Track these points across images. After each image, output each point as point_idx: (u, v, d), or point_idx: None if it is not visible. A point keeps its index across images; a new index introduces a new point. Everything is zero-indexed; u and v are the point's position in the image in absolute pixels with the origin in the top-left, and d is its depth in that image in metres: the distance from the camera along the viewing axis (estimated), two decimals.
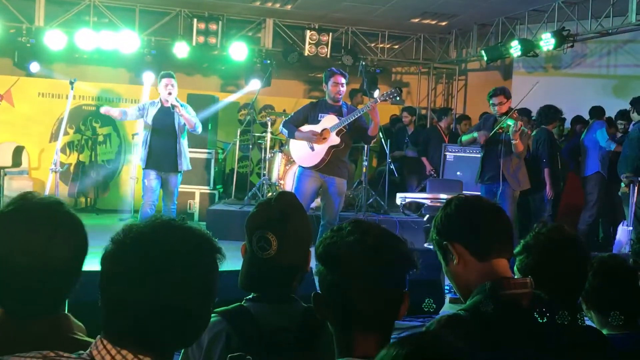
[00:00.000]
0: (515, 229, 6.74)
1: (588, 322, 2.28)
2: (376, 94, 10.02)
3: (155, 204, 6.81)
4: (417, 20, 11.13)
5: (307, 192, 6.12)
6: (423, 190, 9.09)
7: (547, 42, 9.18)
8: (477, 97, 11.37)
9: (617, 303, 2.26)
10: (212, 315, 1.44)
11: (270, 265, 1.98)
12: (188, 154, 6.98)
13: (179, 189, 9.19)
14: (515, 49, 9.70)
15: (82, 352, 1.30)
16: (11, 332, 1.50)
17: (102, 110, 6.81)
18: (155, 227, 1.31)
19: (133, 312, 1.26)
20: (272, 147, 9.30)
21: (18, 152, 9.61)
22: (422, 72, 13.04)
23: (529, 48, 9.63)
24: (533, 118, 8.78)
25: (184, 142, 6.88)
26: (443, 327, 1.68)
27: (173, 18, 10.88)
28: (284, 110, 10.62)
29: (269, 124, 9.24)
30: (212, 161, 9.69)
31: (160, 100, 6.79)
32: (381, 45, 12.13)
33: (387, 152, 9.39)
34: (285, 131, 6.32)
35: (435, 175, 9.63)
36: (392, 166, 9.43)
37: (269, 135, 9.16)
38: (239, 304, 2.00)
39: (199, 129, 6.92)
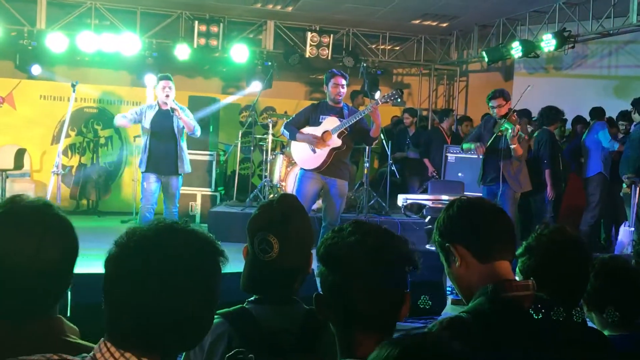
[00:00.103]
0: (516, 231, 6.73)
1: (589, 323, 2.28)
2: (377, 95, 10.01)
3: (154, 207, 6.77)
4: (418, 21, 11.14)
5: (308, 194, 6.13)
6: (425, 191, 9.09)
7: (548, 43, 9.18)
8: (478, 98, 11.36)
9: (618, 304, 2.26)
10: (214, 317, 1.45)
11: (271, 267, 1.98)
12: (188, 156, 6.95)
13: (181, 191, 9.28)
14: (516, 50, 9.70)
15: (85, 354, 1.31)
16: (4, 336, 1.50)
17: (117, 123, 6.93)
18: (159, 230, 1.32)
19: (136, 315, 1.26)
20: (273, 149, 9.30)
21: (20, 154, 9.62)
22: (423, 74, 13.05)
23: (530, 49, 9.63)
24: (534, 119, 8.79)
25: (183, 144, 6.84)
26: (445, 329, 1.68)
27: (174, 20, 10.89)
28: (285, 112, 10.64)
29: (271, 125, 9.25)
30: (214, 163, 9.70)
31: (158, 103, 6.75)
32: (382, 47, 12.13)
33: (389, 153, 9.39)
34: (286, 133, 6.33)
35: (437, 176, 9.63)
36: (393, 167, 9.43)
37: (270, 137, 9.16)
38: (240, 305, 2.00)
39: (198, 132, 6.89)
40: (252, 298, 2.03)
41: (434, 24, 11.34)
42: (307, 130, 6.21)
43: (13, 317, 1.52)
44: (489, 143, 6.65)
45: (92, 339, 1.52)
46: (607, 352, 1.92)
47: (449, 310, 4.92)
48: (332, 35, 11.17)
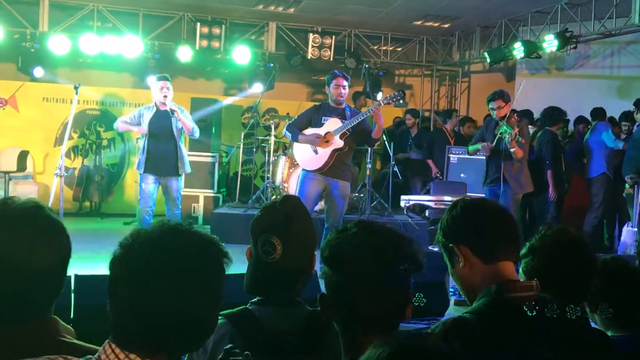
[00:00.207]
0: (519, 232, 6.72)
1: (592, 324, 2.28)
2: (379, 96, 10.02)
3: (153, 209, 6.70)
4: (420, 22, 11.14)
5: (311, 195, 6.13)
6: (428, 192, 9.09)
7: (550, 43, 9.17)
8: (481, 98, 11.34)
9: (621, 304, 2.26)
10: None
11: (275, 269, 1.99)
12: (187, 156, 6.88)
13: (183, 193, 9.29)
14: (518, 50, 9.69)
15: (90, 356, 1.31)
16: (0, 338, 1.50)
17: (120, 129, 6.99)
18: (163, 231, 1.33)
19: (141, 316, 1.27)
20: (275, 151, 9.31)
21: (23, 156, 9.63)
22: (425, 75, 13.05)
23: (532, 50, 9.62)
24: (536, 119, 8.78)
25: (182, 145, 6.78)
26: (448, 330, 1.68)
27: (176, 22, 10.90)
28: (288, 114, 10.64)
29: (273, 127, 9.25)
30: (216, 165, 9.71)
31: (156, 103, 6.69)
32: (384, 48, 12.13)
33: (391, 154, 9.39)
34: (289, 134, 6.33)
35: (441, 177, 9.62)
36: (395, 168, 9.42)
37: (272, 139, 9.17)
38: (244, 307, 2.01)
39: (197, 134, 6.84)
40: (255, 299, 2.04)
41: (436, 24, 11.34)
42: (310, 131, 6.21)
43: (8, 319, 1.52)
44: (492, 144, 6.65)
45: (96, 341, 1.53)
46: (611, 352, 1.92)
47: (452, 311, 4.92)
48: (334, 37, 11.17)
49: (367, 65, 10.55)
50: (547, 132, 7.93)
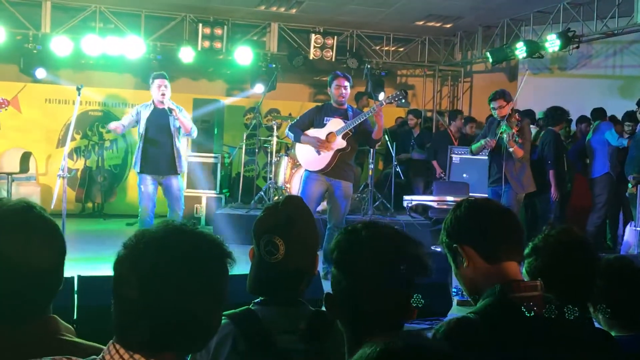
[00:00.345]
0: None
1: (595, 324, 2.28)
2: (381, 96, 10.02)
3: (154, 210, 6.61)
4: (422, 22, 11.13)
5: (313, 196, 6.13)
6: (431, 193, 9.08)
7: (552, 43, 9.16)
8: (483, 99, 11.28)
9: (624, 304, 2.26)
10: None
11: (277, 269, 1.99)
12: (184, 156, 6.77)
13: (185, 194, 9.27)
14: (520, 50, 9.68)
15: (95, 356, 1.31)
16: (0, 338, 1.50)
17: (110, 127, 6.79)
18: (167, 232, 1.33)
19: (145, 317, 1.27)
20: (278, 151, 9.31)
21: (25, 158, 9.64)
22: (428, 75, 13.04)
23: (535, 49, 9.61)
24: (538, 119, 8.78)
25: (180, 144, 6.66)
26: (452, 330, 1.68)
27: (178, 23, 10.91)
28: (290, 114, 10.64)
29: (275, 127, 9.26)
30: (219, 165, 9.71)
31: (153, 102, 6.59)
32: (386, 48, 12.13)
33: (393, 154, 9.39)
34: (291, 135, 6.33)
35: (445, 178, 9.62)
36: (398, 169, 9.43)
37: (275, 139, 9.17)
38: (246, 307, 2.01)
39: (195, 134, 6.72)
40: (257, 300, 2.04)
41: (438, 25, 11.34)
42: (312, 132, 6.22)
43: (7, 319, 1.52)
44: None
45: (99, 342, 1.53)
46: (614, 352, 1.92)
47: (455, 311, 4.92)
48: (336, 37, 11.18)
49: (369, 66, 10.56)
50: (549, 132, 7.92)
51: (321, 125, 6.21)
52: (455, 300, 5.20)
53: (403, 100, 6.53)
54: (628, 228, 7.66)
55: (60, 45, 9.85)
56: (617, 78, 10.46)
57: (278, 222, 2.02)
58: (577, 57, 10.46)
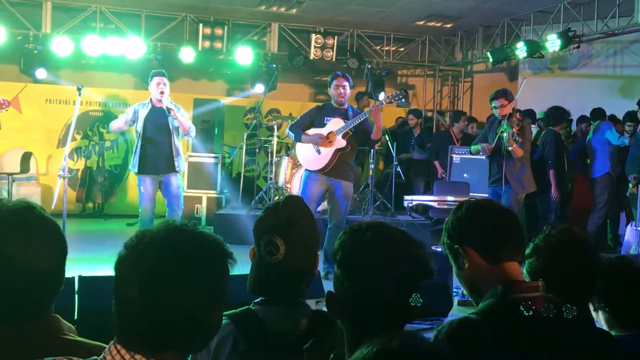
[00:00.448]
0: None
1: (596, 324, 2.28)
2: (381, 96, 10.02)
3: (154, 211, 6.53)
4: (422, 22, 11.14)
5: (313, 196, 6.13)
6: (432, 193, 9.08)
7: (552, 43, 9.16)
8: (483, 98, 11.28)
9: (624, 304, 2.26)
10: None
11: (278, 269, 1.99)
12: (183, 155, 6.65)
13: (186, 194, 9.28)
14: (521, 50, 9.68)
15: (96, 357, 1.32)
16: (3, 338, 1.50)
17: (113, 129, 6.73)
18: (168, 232, 1.33)
19: (146, 317, 1.27)
20: (278, 151, 9.31)
21: (26, 158, 9.65)
22: (428, 75, 13.04)
23: (535, 49, 9.61)
24: (538, 119, 8.77)
25: (179, 143, 6.54)
26: (454, 330, 1.68)
27: (179, 23, 10.91)
28: (290, 114, 10.65)
29: (275, 127, 9.26)
30: (219, 165, 9.72)
31: (151, 100, 6.47)
32: (387, 48, 12.13)
33: (394, 154, 9.39)
34: (291, 135, 6.33)
35: (445, 178, 9.62)
36: (398, 169, 9.43)
37: (275, 139, 9.17)
38: (247, 307, 2.01)
39: (193, 133, 6.61)
40: (258, 299, 2.04)
41: (439, 24, 11.34)
42: (312, 131, 6.22)
43: (9, 319, 1.53)
44: (493, 144, 6.63)
45: (100, 342, 1.53)
46: (615, 352, 1.92)
47: (456, 311, 4.92)
48: (336, 37, 11.18)
49: (369, 66, 10.57)
50: (550, 132, 7.92)
51: (321, 125, 6.21)
52: (455, 300, 5.20)
53: (403, 100, 6.53)
54: (628, 228, 7.66)
55: (60, 45, 9.85)
56: (618, 78, 10.46)
57: (278, 222, 2.02)
58: (577, 57, 10.46)
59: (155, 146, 6.45)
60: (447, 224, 1.91)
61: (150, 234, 1.33)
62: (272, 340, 1.88)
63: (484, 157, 6.91)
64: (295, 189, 8.37)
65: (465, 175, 9.34)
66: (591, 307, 2.29)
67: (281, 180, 8.99)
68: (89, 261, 5.58)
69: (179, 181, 6.61)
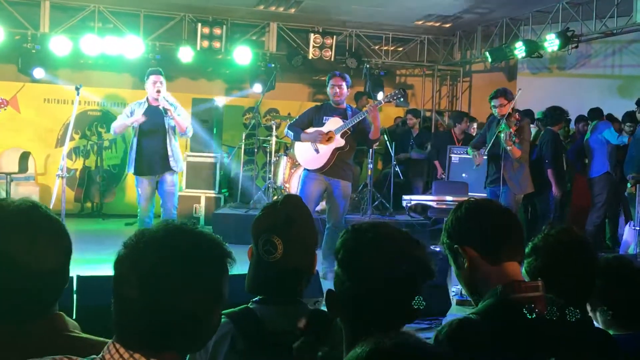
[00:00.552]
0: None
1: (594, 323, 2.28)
2: (380, 96, 10.02)
3: (152, 211, 6.50)
4: (421, 22, 11.14)
5: (312, 195, 6.13)
6: (431, 192, 9.09)
7: (551, 43, 9.16)
8: (482, 98, 11.31)
9: (622, 304, 2.26)
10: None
11: (276, 268, 1.99)
12: (180, 155, 6.59)
13: (184, 193, 9.28)
14: (519, 50, 9.68)
15: (94, 356, 1.32)
16: (7, 339, 1.51)
17: (116, 132, 6.53)
18: (168, 231, 1.33)
19: (145, 316, 1.27)
20: (277, 151, 9.31)
21: (24, 157, 9.64)
22: (427, 74, 13.04)
23: (534, 49, 9.61)
24: (536, 119, 8.77)
25: (176, 143, 6.46)
26: (455, 331, 1.68)
27: (177, 23, 10.91)
28: (289, 114, 10.64)
29: (274, 127, 9.26)
30: (218, 165, 9.71)
31: (148, 99, 6.39)
32: (385, 48, 12.13)
33: (392, 154, 9.39)
34: (290, 134, 6.33)
35: (444, 178, 9.62)
36: (397, 168, 9.43)
37: (274, 139, 9.17)
38: (245, 306, 2.01)
39: (190, 133, 6.57)
40: (256, 298, 2.04)
41: (437, 24, 11.34)
42: (311, 130, 6.22)
43: (15, 318, 1.54)
44: (490, 143, 6.62)
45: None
46: (614, 351, 1.92)
47: (455, 311, 4.92)
48: (335, 37, 11.17)
49: (368, 66, 10.57)
50: (548, 132, 7.92)
51: (320, 124, 6.21)
52: (454, 300, 5.20)
53: (402, 100, 6.53)
54: (627, 228, 7.66)
55: (59, 45, 9.84)
56: (616, 78, 10.47)
57: (276, 222, 2.02)
58: (576, 56, 10.46)
59: (151, 146, 6.39)
60: (446, 223, 1.91)
61: (150, 233, 1.33)
62: (270, 339, 1.88)
63: (483, 157, 6.88)
64: (294, 188, 8.36)
65: (463, 175, 9.34)
66: (588, 307, 2.29)
67: (280, 180, 8.99)
68: (88, 261, 5.57)
69: (175, 179, 6.54)
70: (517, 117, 6.47)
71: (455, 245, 1.86)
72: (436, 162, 10.00)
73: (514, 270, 1.82)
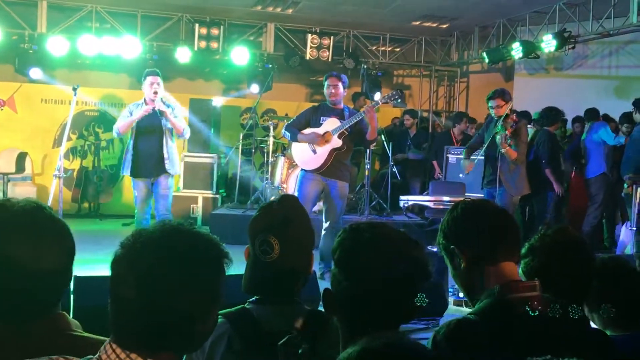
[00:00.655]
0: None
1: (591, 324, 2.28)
2: (377, 96, 10.03)
3: (149, 212, 6.45)
4: (418, 23, 11.15)
5: (309, 196, 6.13)
6: (428, 193, 9.09)
7: (548, 43, 9.18)
8: (479, 99, 11.36)
9: (619, 304, 2.26)
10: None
11: (272, 268, 1.99)
12: (177, 157, 6.53)
13: (182, 194, 9.28)
14: (516, 50, 9.70)
15: (91, 356, 1.32)
16: (10, 338, 1.52)
17: (120, 132, 6.39)
18: (165, 232, 1.33)
19: (142, 316, 1.27)
20: (274, 151, 9.31)
21: (21, 158, 9.63)
22: (424, 75, 13.06)
23: (531, 50, 9.63)
24: (533, 119, 8.79)
25: (173, 145, 6.39)
26: (453, 331, 1.68)
27: (175, 23, 10.90)
28: (286, 114, 10.64)
29: (271, 127, 9.25)
30: (215, 165, 9.71)
31: (145, 100, 6.33)
32: (382, 48, 12.14)
33: (390, 154, 9.39)
34: (288, 134, 6.33)
35: (441, 178, 9.62)
36: (394, 169, 9.43)
37: (271, 139, 9.17)
38: (241, 306, 2.01)
39: (187, 135, 6.51)
40: (253, 298, 2.04)
41: (434, 25, 11.35)
42: (309, 131, 6.22)
43: (18, 317, 1.54)
44: (486, 144, 6.61)
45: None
46: (611, 352, 1.93)
47: (452, 311, 4.92)
48: (332, 37, 11.18)
49: (365, 66, 10.54)
50: (544, 132, 7.93)
51: (317, 125, 6.21)
52: (451, 300, 5.20)
53: (399, 100, 6.52)
54: (623, 228, 7.67)
55: (56, 45, 9.83)
56: (613, 78, 10.49)
57: (273, 222, 2.02)
58: (573, 57, 10.48)
59: (147, 148, 6.33)
60: (442, 224, 1.91)
61: (147, 233, 1.33)
62: (267, 339, 1.88)
63: (480, 158, 6.88)
64: (291, 188, 8.37)
65: (460, 175, 9.33)
66: (586, 308, 2.30)
67: (277, 180, 8.99)
68: (85, 261, 5.55)
69: (170, 182, 6.46)
70: (514, 118, 6.46)
71: (452, 246, 1.86)
72: (434, 163, 10.01)
73: (511, 271, 1.83)
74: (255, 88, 10.87)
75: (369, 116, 5.91)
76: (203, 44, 10.51)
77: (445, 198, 7.53)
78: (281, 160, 9.05)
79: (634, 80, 10.04)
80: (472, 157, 6.97)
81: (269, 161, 9.10)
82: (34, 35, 10.11)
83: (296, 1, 9.91)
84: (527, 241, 2.18)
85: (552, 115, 8.00)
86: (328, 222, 6.17)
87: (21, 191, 9.57)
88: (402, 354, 1.07)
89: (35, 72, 9.98)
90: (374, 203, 9.14)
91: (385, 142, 9.39)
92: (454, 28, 11.69)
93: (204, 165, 9.63)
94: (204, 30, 10.52)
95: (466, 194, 7.95)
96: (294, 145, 6.35)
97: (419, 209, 9.09)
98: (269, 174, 9.06)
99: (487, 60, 10.51)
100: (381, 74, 11.99)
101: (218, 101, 10.55)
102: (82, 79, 10.02)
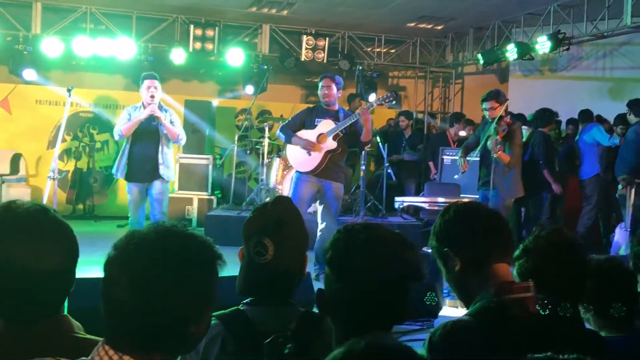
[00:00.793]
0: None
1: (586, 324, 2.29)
2: (372, 98, 10.03)
3: (144, 216, 6.43)
4: (413, 24, 11.16)
5: (304, 197, 6.14)
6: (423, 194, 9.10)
7: (543, 45, 9.20)
8: (474, 100, 11.32)
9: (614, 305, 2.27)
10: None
11: (267, 270, 1.99)
12: (173, 164, 6.49)
13: (177, 195, 9.26)
14: (511, 52, 9.72)
15: (84, 358, 1.32)
16: (13, 340, 1.52)
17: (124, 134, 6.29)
18: (158, 233, 1.33)
19: (135, 318, 1.27)
20: (269, 153, 9.31)
21: (16, 159, 9.60)
22: (419, 76, 13.07)
23: (525, 51, 9.66)
24: (527, 120, 8.80)
25: (168, 150, 6.35)
26: (449, 333, 1.69)
27: (170, 24, 10.89)
28: (281, 116, 10.62)
29: (267, 129, 9.25)
30: (210, 167, 9.70)
31: (143, 104, 6.30)
32: (378, 50, 12.15)
33: (385, 156, 9.39)
34: (282, 136, 6.33)
35: (437, 180, 9.63)
36: (389, 170, 9.44)
37: (266, 141, 9.17)
38: (235, 307, 2.01)
39: (182, 141, 6.49)
40: (247, 300, 2.04)
41: (430, 26, 11.36)
42: (303, 133, 6.22)
43: (23, 318, 1.55)
44: (480, 146, 6.60)
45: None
46: (606, 353, 1.93)
47: (446, 312, 4.92)
48: (327, 39, 11.19)
49: (360, 67, 10.55)
50: (538, 133, 7.95)
51: (312, 126, 6.21)
52: (446, 301, 5.20)
53: (394, 102, 6.51)
54: (618, 229, 7.69)
55: (50, 46, 9.81)
56: (607, 80, 10.52)
57: (267, 223, 2.02)
58: (567, 58, 10.51)
59: (142, 152, 6.30)
60: (435, 227, 1.91)
61: (140, 235, 1.33)
62: (261, 340, 1.87)
63: (475, 159, 6.87)
64: (287, 190, 8.36)
65: (455, 176, 9.34)
66: (581, 309, 2.30)
67: (272, 181, 8.98)
68: (80, 263, 5.55)
69: (164, 187, 6.42)
70: (508, 121, 6.42)
71: (445, 249, 1.86)
72: (430, 164, 10.02)
73: (505, 272, 1.83)
74: (250, 89, 10.87)
75: (364, 118, 5.91)
76: (198, 45, 10.50)
77: (441, 199, 7.52)
78: (276, 162, 9.04)
79: (628, 82, 10.07)
80: (467, 157, 6.96)
81: (264, 162, 9.10)
82: (29, 37, 10.08)
83: (291, 2, 9.91)
84: (521, 242, 2.18)
85: (545, 116, 8.02)
86: (324, 224, 6.17)
87: (15, 192, 9.54)
88: (384, 355, 1.07)
89: (29, 74, 9.94)
90: (369, 204, 9.14)
91: (380, 144, 9.39)
92: (449, 29, 11.70)
93: (199, 167, 9.62)
94: (199, 32, 10.51)
95: (461, 195, 7.96)
96: (289, 146, 6.35)
97: (414, 210, 9.09)
98: (264, 175, 9.05)
99: (482, 61, 10.53)
100: (376, 76, 12.00)
101: (213, 102, 10.54)
102: (77, 80, 10.00)
